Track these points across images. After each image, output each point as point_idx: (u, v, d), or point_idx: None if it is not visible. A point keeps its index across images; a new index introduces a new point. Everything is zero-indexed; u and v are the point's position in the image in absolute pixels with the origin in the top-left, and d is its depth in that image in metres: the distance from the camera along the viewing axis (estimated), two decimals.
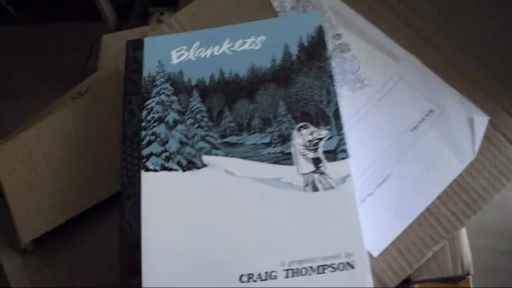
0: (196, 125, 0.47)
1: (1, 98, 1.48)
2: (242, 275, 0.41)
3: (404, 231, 0.45)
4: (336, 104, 0.45)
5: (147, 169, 0.45)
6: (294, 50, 0.48)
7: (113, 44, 0.60)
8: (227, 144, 0.46)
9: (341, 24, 0.52)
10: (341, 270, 0.41)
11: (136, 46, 0.50)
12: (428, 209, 0.45)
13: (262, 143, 0.45)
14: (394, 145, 0.47)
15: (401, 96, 0.48)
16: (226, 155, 0.45)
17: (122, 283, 0.42)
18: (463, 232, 0.47)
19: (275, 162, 0.44)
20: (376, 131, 0.46)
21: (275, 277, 0.41)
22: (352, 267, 0.41)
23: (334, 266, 0.41)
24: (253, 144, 0.45)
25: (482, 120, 0.47)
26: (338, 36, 0.51)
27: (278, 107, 0.46)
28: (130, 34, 0.60)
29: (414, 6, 0.52)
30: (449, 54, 0.50)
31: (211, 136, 0.46)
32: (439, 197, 0.45)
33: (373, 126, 0.47)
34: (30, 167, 0.54)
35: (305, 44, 0.48)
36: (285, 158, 0.44)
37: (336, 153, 0.44)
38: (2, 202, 0.53)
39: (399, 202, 0.45)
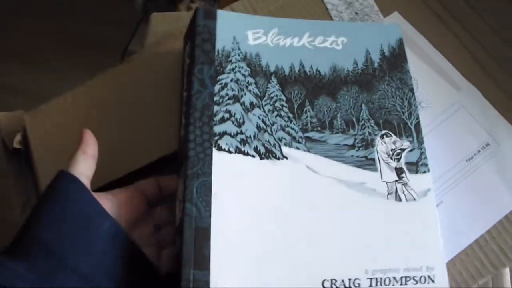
0: (275, 113, 0.43)
1: (29, 66, 1.29)
2: (325, 280, 0.38)
3: (451, 260, 0.45)
4: (418, 117, 0.45)
5: (220, 148, 0.40)
6: (375, 57, 0.47)
7: (162, 24, 0.54)
8: (308, 139, 0.42)
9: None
10: (422, 283, 0.40)
11: (208, 15, 0.45)
12: (476, 241, 0.45)
13: (345, 145, 0.43)
14: (449, 173, 0.47)
15: (460, 125, 0.49)
16: (308, 151, 0.42)
17: (183, 275, 0.36)
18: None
19: (358, 166, 0.42)
20: (432, 156, 0.46)
21: (358, 285, 0.39)
22: (433, 281, 0.40)
23: (416, 278, 0.40)
24: (335, 144, 0.43)
25: None
26: None
27: (361, 110, 0.44)
28: (183, 16, 0.54)
29: (480, 37, 0.54)
30: (509, 89, 0.51)
31: (292, 128, 0.43)
32: (488, 231, 0.46)
33: (430, 151, 0.46)
34: (63, 133, 0.49)
35: (387, 53, 0.47)
36: (369, 164, 0.42)
37: (418, 166, 0.43)
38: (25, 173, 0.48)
39: (448, 230, 0.45)
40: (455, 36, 0.54)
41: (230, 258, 0.37)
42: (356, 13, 0.54)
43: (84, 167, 0.40)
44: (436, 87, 0.51)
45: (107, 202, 0.40)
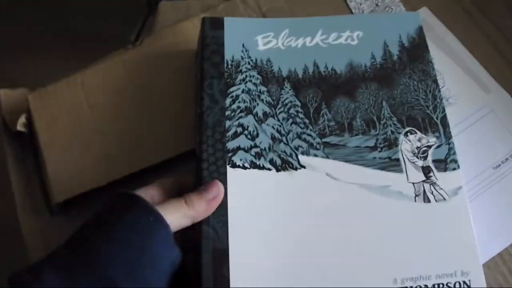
0: (290, 120, 0.41)
1: (32, 60, 1.31)
2: None
3: None
4: (443, 110, 0.42)
5: (234, 165, 0.39)
6: (394, 50, 0.44)
7: (171, 14, 0.53)
8: (326, 144, 0.41)
9: (428, 37, 0.48)
10: None
11: (215, 25, 0.44)
12: (500, 254, 0.43)
13: (367, 147, 0.41)
14: (474, 180, 0.45)
15: (489, 130, 0.46)
16: (327, 157, 0.40)
17: None
18: None
19: (382, 168, 0.40)
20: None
21: None
22: (469, 286, 0.38)
23: (449, 285, 0.38)
24: (356, 147, 0.41)
25: None
26: None
27: (382, 108, 0.42)
28: (191, 4, 0.52)
29: (511, 35, 0.50)
30: None
31: (308, 135, 0.41)
32: None
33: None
34: (72, 117, 0.47)
35: (406, 44, 0.45)
36: (393, 165, 0.40)
37: (447, 162, 0.41)
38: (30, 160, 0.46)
39: None
40: (486, 36, 0.50)
41: (250, 277, 0.37)
42: (377, 5, 0.51)
43: (179, 220, 0.36)
44: (464, 86, 0.48)
45: None
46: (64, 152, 0.44)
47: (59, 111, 0.47)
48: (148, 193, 0.38)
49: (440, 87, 0.46)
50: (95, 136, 0.46)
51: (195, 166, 0.40)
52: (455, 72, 0.48)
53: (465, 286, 0.38)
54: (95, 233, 0.34)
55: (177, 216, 0.36)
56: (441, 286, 0.37)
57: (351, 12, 0.51)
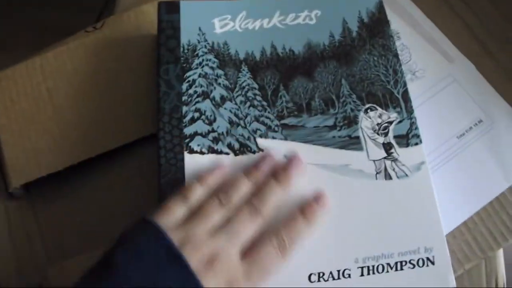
0: (248, 103, 0.41)
1: (8, 55, 1.31)
2: (311, 274, 0.36)
3: None
4: (405, 85, 0.41)
5: (192, 151, 0.39)
6: (354, 26, 0.43)
7: None
8: (285, 126, 0.40)
9: (392, 10, 0.48)
10: (420, 267, 0.37)
11: (171, 9, 0.43)
12: (465, 223, 0.42)
13: (326, 126, 0.40)
14: (438, 150, 0.43)
15: (452, 99, 0.45)
16: (285, 139, 0.40)
17: None
18: (500, 251, 0.44)
19: (341, 147, 0.40)
20: (421, 131, 0.42)
21: (349, 276, 0.36)
22: (433, 263, 0.37)
23: (412, 262, 0.37)
24: (315, 127, 0.40)
25: None
26: None
27: (341, 86, 0.41)
28: None
29: (478, 10, 0.49)
30: (507, 67, 0.47)
31: (266, 117, 0.40)
32: (477, 213, 0.42)
33: (419, 125, 0.42)
34: (30, 101, 0.46)
35: (366, 20, 0.44)
36: (353, 143, 0.40)
37: (409, 138, 0.40)
38: None
39: None
40: (450, 7, 0.49)
41: None
42: None
43: None
44: (430, 58, 0.47)
45: None
46: (22, 136, 0.44)
47: (18, 95, 0.46)
48: None
49: (407, 61, 0.46)
50: (53, 120, 0.45)
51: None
52: (421, 45, 0.47)
53: (429, 262, 0.37)
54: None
55: None
56: (403, 263, 0.37)
57: None
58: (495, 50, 0.47)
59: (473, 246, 0.41)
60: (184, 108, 0.40)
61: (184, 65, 0.41)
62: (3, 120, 0.46)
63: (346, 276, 0.36)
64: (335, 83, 0.42)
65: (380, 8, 0.44)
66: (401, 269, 0.37)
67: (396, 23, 0.48)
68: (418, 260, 0.37)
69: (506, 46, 0.48)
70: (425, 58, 0.47)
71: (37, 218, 0.46)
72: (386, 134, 0.40)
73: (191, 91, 0.41)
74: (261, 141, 0.40)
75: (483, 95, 0.45)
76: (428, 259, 0.37)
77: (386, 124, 0.40)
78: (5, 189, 0.45)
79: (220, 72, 0.42)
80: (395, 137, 0.40)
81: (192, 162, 0.39)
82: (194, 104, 0.40)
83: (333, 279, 0.36)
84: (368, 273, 0.36)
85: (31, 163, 0.44)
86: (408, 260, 0.37)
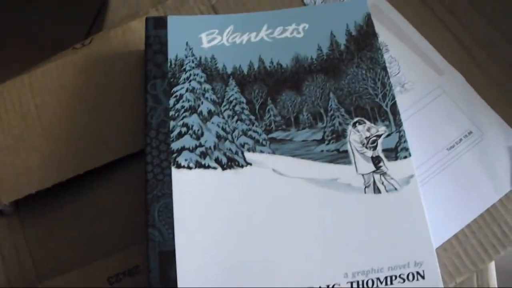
0: (236, 117, 0.41)
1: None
2: None
3: None
4: (393, 98, 0.41)
5: (179, 166, 0.39)
6: (341, 39, 0.43)
7: (122, 9, 0.52)
8: (273, 140, 0.40)
9: (380, 22, 0.48)
10: (410, 281, 0.36)
11: (158, 24, 0.43)
12: (456, 236, 0.42)
13: (314, 140, 0.40)
14: (428, 163, 0.44)
15: (442, 112, 0.45)
16: (273, 153, 0.40)
17: None
18: (492, 263, 0.45)
19: (330, 161, 0.39)
20: (410, 144, 0.42)
21: None
22: (423, 277, 0.37)
23: (402, 276, 0.36)
24: (303, 141, 0.40)
25: None
26: None
27: (329, 100, 0.41)
28: (143, 0, 0.52)
29: (466, 20, 0.49)
30: (497, 77, 0.47)
31: (254, 131, 0.40)
32: (468, 226, 0.42)
33: (408, 138, 0.42)
34: (19, 118, 0.46)
35: (353, 33, 0.44)
36: (341, 157, 0.39)
37: (397, 151, 0.40)
38: None
39: None
40: (438, 19, 0.49)
41: (198, 278, 0.36)
42: None
43: None
44: (419, 70, 0.47)
45: None
46: (11, 153, 0.44)
47: (6, 112, 0.47)
48: None
49: (396, 73, 0.46)
50: (42, 137, 0.46)
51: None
52: (409, 58, 0.47)
53: (419, 276, 0.37)
54: None
55: None
56: (393, 278, 0.36)
57: (304, 4, 0.50)
58: (484, 60, 0.47)
59: (464, 259, 0.41)
60: (172, 123, 0.40)
61: (172, 80, 0.41)
62: None
63: None
64: (323, 97, 0.42)
65: (368, 21, 0.44)
66: (391, 283, 0.36)
67: (384, 36, 0.48)
68: (408, 275, 0.36)
69: (494, 56, 0.48)
70: (414, 70, 0.47)
71: (27, 235, 0.46)
72: (374, 148, 0.40)
73: (178, 106, 0.41)
74: (249, 155, 0.39)
75: (472, 106, 0.45)
76: (418, 273, 0.37)
77: (374, 138, 0.40)
78: None
79: (207, 86, 0.42)
80: (383, 150, 0.40)
81: (179, 177, 0.38)
82: (182, 119, 0.40)
83: None
84: None
85: (20, 180, 0.44)
86: (398, 275, 0.36)
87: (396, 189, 0.38)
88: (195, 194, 0.38)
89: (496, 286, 0.43)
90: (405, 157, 0.39)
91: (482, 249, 0.41)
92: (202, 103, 0.41)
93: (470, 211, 0.42)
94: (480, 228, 0.42)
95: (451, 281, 0.40)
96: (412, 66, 0.47)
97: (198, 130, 0.40)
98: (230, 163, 0.39)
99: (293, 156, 0.39)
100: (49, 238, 0.45)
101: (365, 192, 0.38)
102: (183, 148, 0.39)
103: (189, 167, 0.39)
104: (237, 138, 0.40)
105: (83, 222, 0.46)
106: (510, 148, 0.44)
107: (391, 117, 0.41)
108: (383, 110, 0.41)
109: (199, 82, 0.42)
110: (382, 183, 0.39)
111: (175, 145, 0.39)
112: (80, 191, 0.46)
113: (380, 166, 0.39)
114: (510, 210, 0.42)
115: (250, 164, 0.39)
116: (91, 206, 0.46)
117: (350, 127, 0.40)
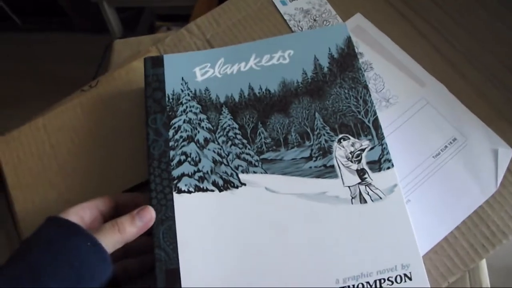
0: (230, 143, 0.44)
1: (3, 107, 1.40)
2: None
3: None
4: (375, 113, 0.44)
5: (180, 191, 0.42)
6: (324, 62, 0.47)
7: (125, 50, 0.57)
8: (265, 160, 0.43)
9: (364, 42, 0.51)
10: (398, 283, 0.39)
11: (156, 63, 0.48)
12: (446, 238, 0.43)
13: (302, 158, 0.43)
14: (416, 171, 0.46)
15: (426, 121, 0.48)
16: (265, 172, 0.43)
17: None
18: (483, 262, 0.46)
19: (318, 176, 0.42)
20: (398, 154, 0.45)
21: None
22: (410, 278, 0.39)
23: (391, 279, 0.39)
24: (292, 159, 0.43)
25: (506, 152, 0.46)
26: (360, 54, 0.51)
27: (314, 120, 0.44)
28: (144, 40, 0.57)
29: (444, 30, 0.52)
30: (477, 83, 0.49)
31: (247, 154, 0.44)
32: (458, 228, 0.44)
33: (396, 149, 0.45)
34: (36, 158, 0.51)
35: (335, 55, 0.47)
36: (328, 171, 0.42)
37: (381, 163, 0.42)
38: (2, 201, 0.50)
39: (417, 228, 0.41)
40: (419, 32, 0.52)
41: None
42: (315, 20, 0.54)
43: (112, 244, 0.40)
44: (402, 84, 0.49)
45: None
46: (30, 192, 0.48)
47: (24, 154, 0.51)
48: (79, 214, 0.41)
49: (381, 89, 0.49)
50: (58, 174, 0.50)
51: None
52: (393, 73, 0.50)
53: (406, 278, 0.39)
54: (39, 254, 0.38)
55: (110, 241, 0.39)
56: (382, 281, 0.39)
57: (292, 31, 0.53)
58: (464, 68, 0.50)
59: (455, 260, 0.43)
60: (172, 153, 0.44)
61: (170, 113, 0.45)
62: (12, 178, 0.50)
63: None
64: (309, 117, 0.45)
65: (349, 43, 0.47)
66: (380, 286, 0.39)
67: (368, 54, 0.51)
68: (396, 277, 0.39)
69: (474, 63, 0.50)
70: (398, 85, 0.49)
71: None
72: (359, 161, 0.43)
73: (177, 136, 0.44)
74: (243, 176, 0.43)
75: (455, 114, 0.48)
76: (405, 275, 0.39)
77: (358, 152, 0.43)
78: (19, 240, 0.49)
79: (203, 116, 0.45)
80: (368, 163, 0.43)
81: (180, 201, 0.42)
82: (180, 148, 0.44)
83: None
84: None
85: (40, 217, 0.47)
86: (386, 278, 0.39)
87: (381, 198, 0.41)
88: (196, 215, 0.42)
89: (489, 285, 0.45)
90: (388, 167, 0.42)
91: (472, 249, 0.43)
92: (198, 132, 0.45)
93: (459, 213, 0.44)
94: (469, 229, 0.43)
95: (443, 281, 0.42)
96: (395, 81, 0.49)
97: (196, 157, 0.44)
98: (226, 185, 0.43)
99: (284, 174, 0.43)
100: None
101: (352, 203, 0.41)
102: (183, 175, 0.43)
103: (189, 191, 0.42)
104: (232, 161, 0.43)
105: None
106: (493, 151, 0.46)
107: (373, 131, 0.44)
108: (365, 126, 0.44)
109: (195, 113, 0.45)
110: (368, 193, 0.41)
111: (175, 172, 0.43)
112: None
113: (365, 178, 0.42)
114: (497, 210, 0.44)
115: (245, 185, 0.43)
116: None
117: (335, 144, 0.43)
